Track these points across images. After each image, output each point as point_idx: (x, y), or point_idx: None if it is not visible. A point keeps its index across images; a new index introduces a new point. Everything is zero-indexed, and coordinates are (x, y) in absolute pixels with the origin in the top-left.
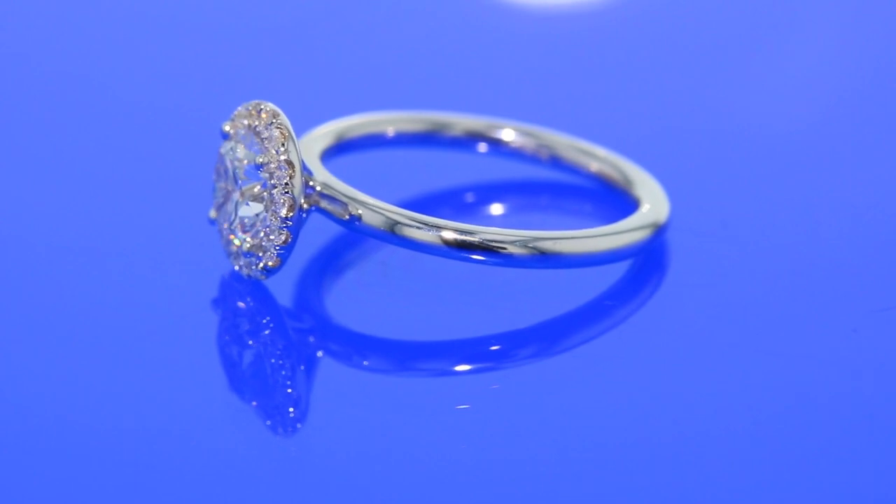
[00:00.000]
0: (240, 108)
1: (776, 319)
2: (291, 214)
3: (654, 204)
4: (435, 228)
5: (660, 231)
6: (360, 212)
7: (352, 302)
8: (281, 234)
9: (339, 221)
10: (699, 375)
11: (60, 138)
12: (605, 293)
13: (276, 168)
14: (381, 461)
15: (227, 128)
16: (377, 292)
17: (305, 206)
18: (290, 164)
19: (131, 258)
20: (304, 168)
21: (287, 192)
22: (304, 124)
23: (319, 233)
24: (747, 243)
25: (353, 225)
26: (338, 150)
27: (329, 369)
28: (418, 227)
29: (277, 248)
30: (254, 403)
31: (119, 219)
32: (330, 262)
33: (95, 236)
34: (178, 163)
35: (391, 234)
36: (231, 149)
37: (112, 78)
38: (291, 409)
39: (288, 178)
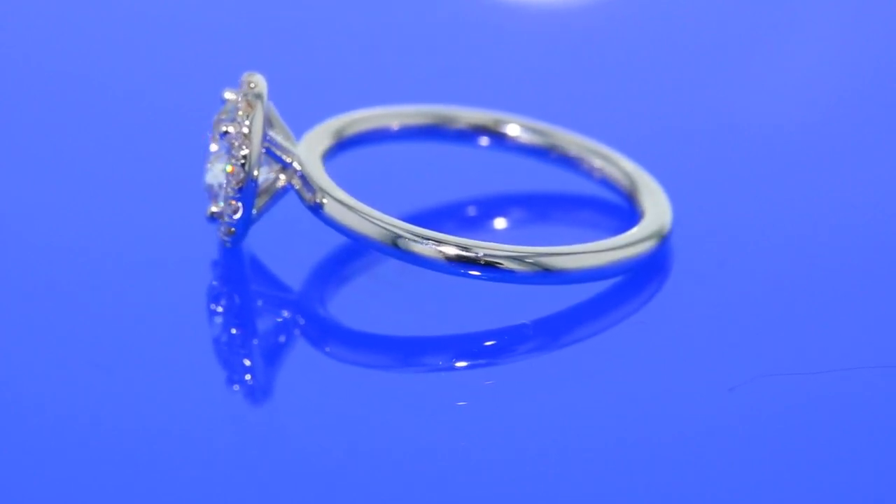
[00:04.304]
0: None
1: (776, 321)
2: (241, 186)
3: (657, 212)
4: (434, 242)
5: (663, 241)
6: (323, 200)
7: (350, 300)
8: (232, 204)
9: (307, 206)
10: (698, 375)
11: (59, 130)
12: (601, 294)
13: (234, 139)
14: (377, 457)
15: (226, 95)
16: (374, 290)
17: (282, 182)
18: (246, 137)
19: (130, 252)
20: (270, 140)
21: (241, 165)
22: (308, 119)
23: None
24: (748, 245)
25: (318, 213)
26: (342, 145)
27: (326, 366)
28: (415, 241)
29: (230, 217)
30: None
31: (118, 204)
32: (346, 261)
33: (87, 221)
34: (173, 156)
35: (351, 230)
36: (219, 116)
37: (110, 74)
38: (248, 377)
39: (243, 151)
